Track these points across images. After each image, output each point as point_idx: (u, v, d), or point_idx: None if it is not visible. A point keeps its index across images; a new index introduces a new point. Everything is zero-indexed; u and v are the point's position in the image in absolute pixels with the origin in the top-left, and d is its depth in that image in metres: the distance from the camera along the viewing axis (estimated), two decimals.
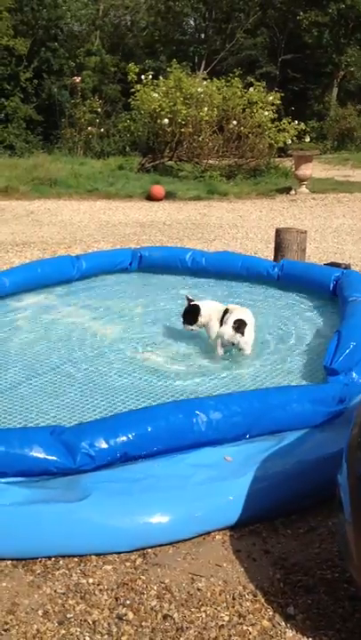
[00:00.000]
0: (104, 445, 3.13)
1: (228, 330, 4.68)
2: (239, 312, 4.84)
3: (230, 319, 4.71)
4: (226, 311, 4.89)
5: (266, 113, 16.79)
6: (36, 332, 5.42)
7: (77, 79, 22.52)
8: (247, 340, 4.73)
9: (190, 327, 5.04)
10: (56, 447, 3.08)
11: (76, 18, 25.49)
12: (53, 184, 14.72)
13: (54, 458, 3.06)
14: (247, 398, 3.63)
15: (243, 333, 4.67)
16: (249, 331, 4.73)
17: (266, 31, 29.53)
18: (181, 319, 5.12)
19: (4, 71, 22.58)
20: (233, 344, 4.72)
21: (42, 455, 3.05)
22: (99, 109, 21.60)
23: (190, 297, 5.19)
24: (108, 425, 3.26)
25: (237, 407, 3.48)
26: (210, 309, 5.01)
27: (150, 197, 14.20)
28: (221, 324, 4.80)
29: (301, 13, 27.40)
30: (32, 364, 4.76)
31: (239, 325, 4.66)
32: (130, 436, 3.19)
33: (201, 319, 4.98)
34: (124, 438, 3.18)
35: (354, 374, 4.12)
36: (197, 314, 4.99)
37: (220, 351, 4.78)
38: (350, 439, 2.44)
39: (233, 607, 2.56)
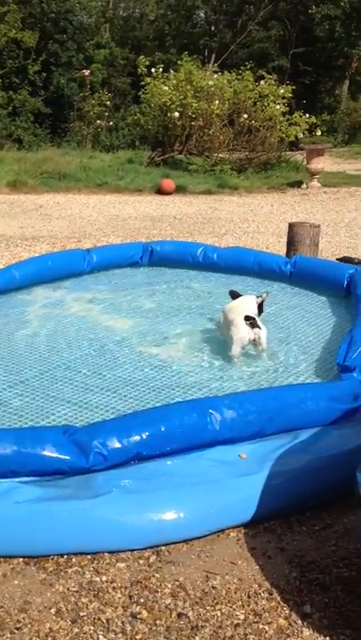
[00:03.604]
0: (117, 445, 3.09)
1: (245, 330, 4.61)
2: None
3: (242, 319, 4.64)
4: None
5: (277, 106, 16.68)
6: (45, 326, 5.39)
7: (87, 72, 22.42)
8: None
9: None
10: (69, 447, 3.04)
11: (85, 10, 25.37)
12: (62, 178, 14.69)
13: (67, 457, 3.03)
14: (261, 396, 3.58)
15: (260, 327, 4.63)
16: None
17: (277, 24, 29.31)
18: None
19: (12, 64, 22.50)
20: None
21: (54, 455, 3.02)
22: (108, 102, 21.52)
23: (235, 291, 5.09)
24: (121, 424, 3.22)
25: (252, 406, 3.44)
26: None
27: (160, 191, 14.16)
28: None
29: (313, 7, 27.18)
30: (42, 358, 4.72)
31: (253, 321, 4.62)
32: (143, 435, 3.16)
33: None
34: (138, 438, 3.14)
35: None
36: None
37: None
38: None
39: (248, 605, 2.52)
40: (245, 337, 4.58)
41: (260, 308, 4.95)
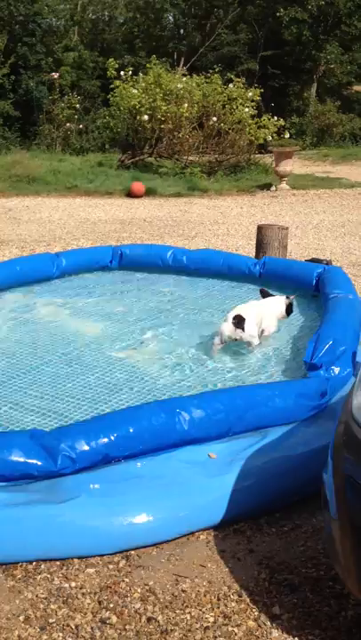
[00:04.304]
0: (85, 447, 3.07)
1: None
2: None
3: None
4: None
5: (246, 109, 16.76)
6: (14, 331, 5.34)
7: (55, 75, 22.28)
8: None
9: None
10: (36, 451, 3.01)
11: (54, 13, 25.22)
12: (32, 181, 14.55)
13: (35, 461, 2.99)
14: (229, 395, 3.60)
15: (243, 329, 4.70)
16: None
17: (245, 27, 29.48)
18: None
19: None
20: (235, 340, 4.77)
21: (22, 459, 2.98)
22: (77, 105, 21.40)
23: (266, 290, 5.34)
24: (89, 427, 3.20)
25: (220, 404, 3.45)
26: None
27: (130, 194, 14.12)
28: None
29: (281, 10, 27.39)
30: (11, 364, 4.68)
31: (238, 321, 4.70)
32: (111, 437, 3.14)
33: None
34: (106, 440, 3.13)
35: (335, 369, 4.10)
36: None
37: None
38: (335, 437, 2.41)
39: (218, 608, 2.53)
40: (225, 332, 4.70)
41: (289, 310, 5.20)
